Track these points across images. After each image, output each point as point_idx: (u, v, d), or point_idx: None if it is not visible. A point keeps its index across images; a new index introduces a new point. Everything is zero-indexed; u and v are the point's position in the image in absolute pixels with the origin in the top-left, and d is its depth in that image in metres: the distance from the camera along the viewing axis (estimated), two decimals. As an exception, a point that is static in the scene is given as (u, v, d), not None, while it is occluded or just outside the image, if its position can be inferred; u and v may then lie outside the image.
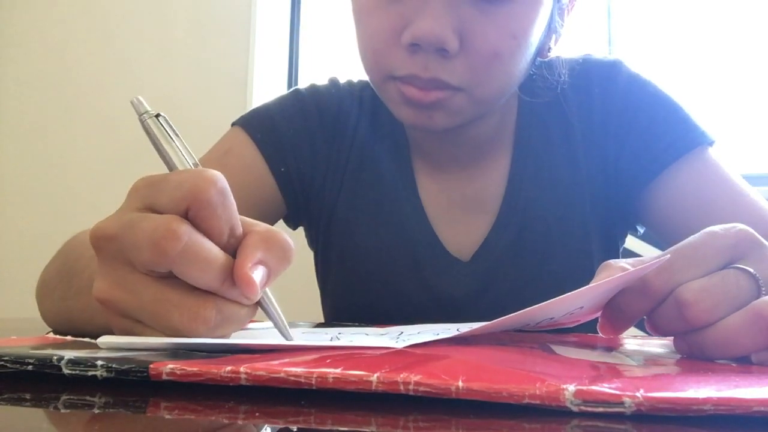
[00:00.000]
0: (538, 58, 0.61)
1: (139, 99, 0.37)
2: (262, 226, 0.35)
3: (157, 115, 0.36)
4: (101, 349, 0.31)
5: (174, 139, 0.36)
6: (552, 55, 0.72)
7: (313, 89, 0.72)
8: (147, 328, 0.33)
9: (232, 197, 0.33)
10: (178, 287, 0.32)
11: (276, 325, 0.36)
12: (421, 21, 0.51)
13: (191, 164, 0.36)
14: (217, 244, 0.33)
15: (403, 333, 0.39)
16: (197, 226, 0.32)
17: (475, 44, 0.52)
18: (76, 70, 2.07)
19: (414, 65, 0.53)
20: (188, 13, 2.02)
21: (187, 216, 0.32)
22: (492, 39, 0.52)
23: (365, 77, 0.74)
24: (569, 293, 0.34)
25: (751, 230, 0.36)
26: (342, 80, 0.75)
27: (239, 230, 0.34)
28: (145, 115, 0.36)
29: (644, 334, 0.40)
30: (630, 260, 0.38)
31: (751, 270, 0.34)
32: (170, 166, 0.36)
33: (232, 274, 0.32)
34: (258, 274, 0.32)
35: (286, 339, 0.35)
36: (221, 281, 0.32)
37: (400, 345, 0.32)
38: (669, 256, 0.35)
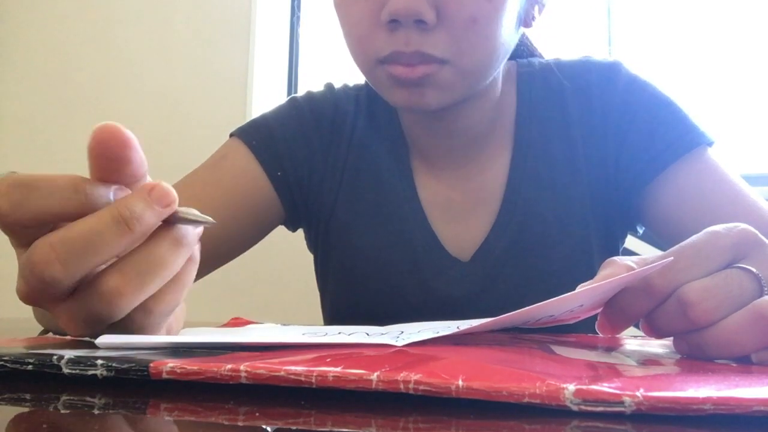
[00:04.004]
0: (522, 28, 0.62)
1: None
2: None
3: None
4: (101, 348, 0.31)
5: None
6: (551, 55, 0.73)
7: (309, 95, 0.74)
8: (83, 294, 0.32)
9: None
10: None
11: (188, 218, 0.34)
12: None
13: None
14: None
15: (403, 332, 0.39)
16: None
17: (451, 12, 0.53)
18: (76, 70, 2.07)
19: (396, 42, 0.54)
20: (188, 13, 2.02)
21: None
22: (467, 5, 0.53)
23: (361, 81, 0.74)
24: (570, 293, 0.34)
25: (753, 230, 0.36)
26: (338, 85, 0.75)
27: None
28: None
29: (644, 334, 0.40)
30: (634, 258, 0.38)
31: (754, 270, 0.34)
32: None
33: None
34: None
35: (205, 222, 0.34)
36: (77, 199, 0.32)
37: (399, 343, 0.33)
38: (672, 258, 0.35)
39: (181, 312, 0.42)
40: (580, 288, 0.36)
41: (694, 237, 0.36)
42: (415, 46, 0.53)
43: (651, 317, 0.36)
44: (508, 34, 0.58)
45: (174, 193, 0.33)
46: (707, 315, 0.33)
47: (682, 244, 0.35)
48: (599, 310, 0.40)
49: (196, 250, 0.36)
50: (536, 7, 0.62)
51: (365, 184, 0.69)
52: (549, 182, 0.65)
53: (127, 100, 2.00)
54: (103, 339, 0.32)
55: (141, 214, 0.32)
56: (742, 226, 0.36)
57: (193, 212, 0.34)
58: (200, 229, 0.35)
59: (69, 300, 0.33)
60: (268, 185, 0.68)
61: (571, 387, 0.22)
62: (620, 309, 0.37)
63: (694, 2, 1.84)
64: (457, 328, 0.38)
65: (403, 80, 0.55)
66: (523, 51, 0.73)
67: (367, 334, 0.39)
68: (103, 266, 0.32)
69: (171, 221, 0.33)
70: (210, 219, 0.34)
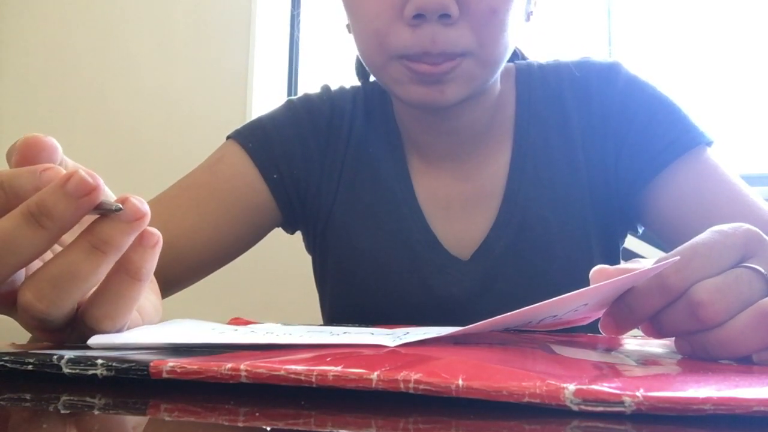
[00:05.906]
0: (524, 21, 0.63)
1: None
2: None
3: None
4: (94, 348, 0.31)
5: None
6: (551, 56, 0.73)
7: (305, 98, 0.74)
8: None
9: None
10: None
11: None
12: None
13: None
14: None
15: (409, 333, 0.39)
16: None
17: (473, 5, 0.54)
18: (76, 70, 2.07)
19: (422, 41, 0.54)
20: (188, 12, 2.02)
21: None
22: None
23: (358, 83, 0.74)
24: (573, 292, 0.34)
25: (757, 230, 0.36)
26: (335, 87, 0.75)
27: None
28: None
29: (644, 335, 0.40)
30: (652, 259, 0.38)
31: (762, 270, 0.34)
32: None
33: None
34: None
35: (115, 208, 0.31)
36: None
37: (395, 343, 0.32)
38: (679, 257, 0.34)
39: (153, 308, 0.41)
40: (593, 275, 0.36)
41: (702, 235, 0.35)
42: (442, 46, 0.54)
43: (657, 317, 0.35)
44: (518, 27, 0.59)
45: (95, 180, 0.30)
46: (717, 316, 0.32)
47: (693, 242, 0.35)
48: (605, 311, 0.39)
49: (145, 262, 0.32)
50: (532, 2, 0.63)
51: (363, 183, 0.69)
52: (549, 182, 0.65)
53: (127, 99, 2.00)
54: (95, 339, 0.32)
55: (52, 209, 0.29)
56: (746, 225, 0.36)
57: (110, 201, 0.31)
58: (131, 236, 0.31)
59: (6, 309, 0.32)
60: (265, 188, 0.68)
61: (571, 387, 0.22)
62: (628, 307, 0.36)
63: (694, 2, 1.84)
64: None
65: (426, 77, 0.55)
66: (515, 58, 0.73)
67: (372, 335, 0.39)
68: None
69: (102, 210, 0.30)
70: (118, 206, 0.31)
